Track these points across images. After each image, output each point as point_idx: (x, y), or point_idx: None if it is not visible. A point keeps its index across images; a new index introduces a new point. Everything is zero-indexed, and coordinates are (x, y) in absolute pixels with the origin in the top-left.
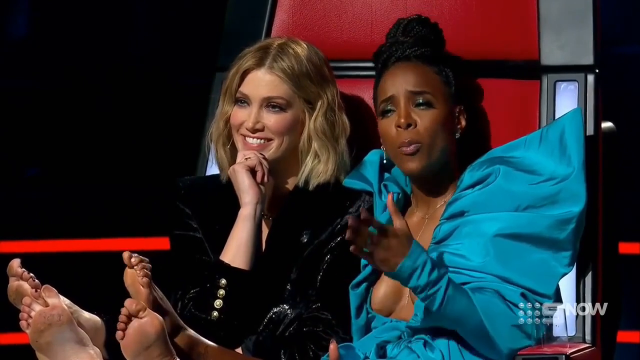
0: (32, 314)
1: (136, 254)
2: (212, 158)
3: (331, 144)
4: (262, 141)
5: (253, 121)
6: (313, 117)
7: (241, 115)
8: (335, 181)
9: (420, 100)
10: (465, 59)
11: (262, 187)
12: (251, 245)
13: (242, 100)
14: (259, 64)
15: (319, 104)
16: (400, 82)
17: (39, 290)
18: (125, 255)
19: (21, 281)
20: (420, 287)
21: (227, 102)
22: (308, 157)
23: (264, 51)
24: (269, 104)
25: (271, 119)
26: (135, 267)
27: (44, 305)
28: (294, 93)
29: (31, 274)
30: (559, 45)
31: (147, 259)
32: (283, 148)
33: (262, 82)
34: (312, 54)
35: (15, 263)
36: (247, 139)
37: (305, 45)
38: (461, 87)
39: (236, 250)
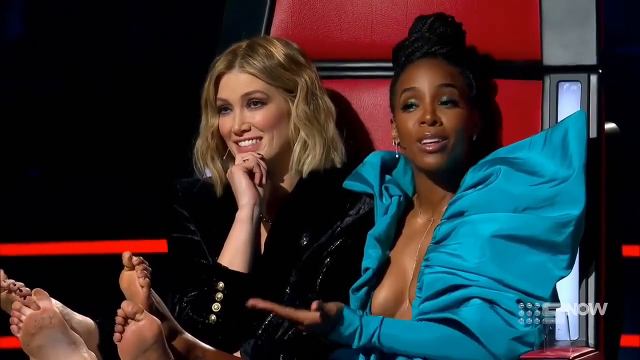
0: (23, 318)
1: (136, 256)
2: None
3: (317, 129)
4: (254, 141)
5: (238, 123)
6: (295, 104)
7: (228, 123)
8: (330, 166)
9: (446, 98)
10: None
11: (260, 188)
12: (249, 247)
13: (224, 108)
14: (230, 66)
15: (299, 89)
16: (427, 76)
17: (28, 296)
18: (126, 255)
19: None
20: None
21: (211, 114)
22: (296, 145)
23: (233, 53)
24: (250, 101)
25: (255, 116)
26: (136, 267)
27: (35, 309)
28: (270, 85)
29: (18, 284)
30: (561, 45)
31: (147, 262)
32: (276, 143)
33: (236, 82)
34: (282, 45)
35: (1, 276)
36: (240, 143)
37: (274, 40)
38: (479, 90)
39: (234, 253)
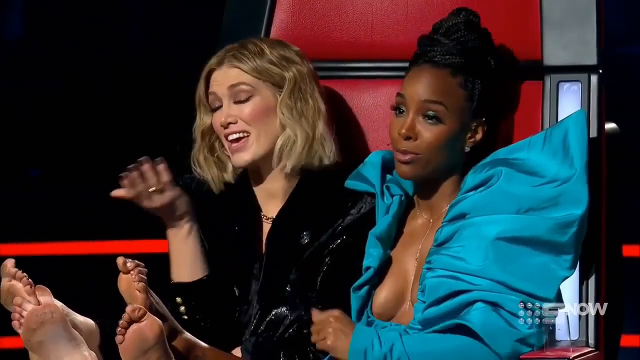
0: (24, 313)
1: (131, 259)
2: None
3: (302, 125)
4: (241, 134)
5: (225, 116)
6: (280, 99)
7: (218, 118)
8: (319, 163)
9: (431, 113)
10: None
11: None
12: (189, 255)
13: (217, 106)
14: (220, 62)
15: (286, 84)
16: (417, 88)
17: (32, 287)
18: (120, 261)
19: (14, 281)
20: None
21: (204, 112)
22: (279, 139)
23: (225, 51)
24: (237, 95)
25: (243, 110)
26: (131, 271)
27: (36, 304)
28: (257, 79)
29: (25, 274)
30: (562, 45)
31: (142, 264)
32: (264, 140)
33: (225, 76)
34: (275, 44)
35: (10, 263)
36: (229, 137)
37: (268, 39)
38: (490, 100)
39: (179, 266)
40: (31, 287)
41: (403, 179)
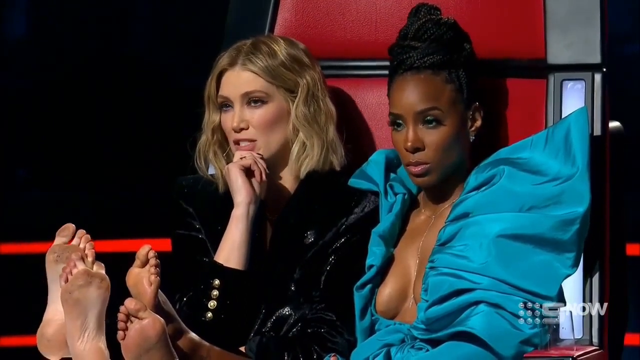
0: (75, 270)
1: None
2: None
3: (316, 131)
4: (250, 142)
5: (237, 120)
6: (294, 105)
7: (229, 120)
8: (329, 169)
9: (429, 118)
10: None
11: (256, 186)
12: (245, 245)
13: (225, 105)
14: (232, 63)
15: (299, 90)
16: (408, 101)
17: (94, 253)
18: (145, 249)
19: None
20: None
21: (212, 110)
22: (294, 146)
23: (237, 50)
24: (250, 99)
25: (254, 115)
26: (150, 260)
27: (89, 267)
28: (271, 84)
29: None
30: (566, 43)
31: (159, 261)
32: (272, 146)
33: (238, 80)
34: (286, 45)
35: (72, 226)
36: (241, 143)
37: (279, 39)
38: (476, 84)
39: (230, 251)
40: (93, 252)
41: (421, 187)
